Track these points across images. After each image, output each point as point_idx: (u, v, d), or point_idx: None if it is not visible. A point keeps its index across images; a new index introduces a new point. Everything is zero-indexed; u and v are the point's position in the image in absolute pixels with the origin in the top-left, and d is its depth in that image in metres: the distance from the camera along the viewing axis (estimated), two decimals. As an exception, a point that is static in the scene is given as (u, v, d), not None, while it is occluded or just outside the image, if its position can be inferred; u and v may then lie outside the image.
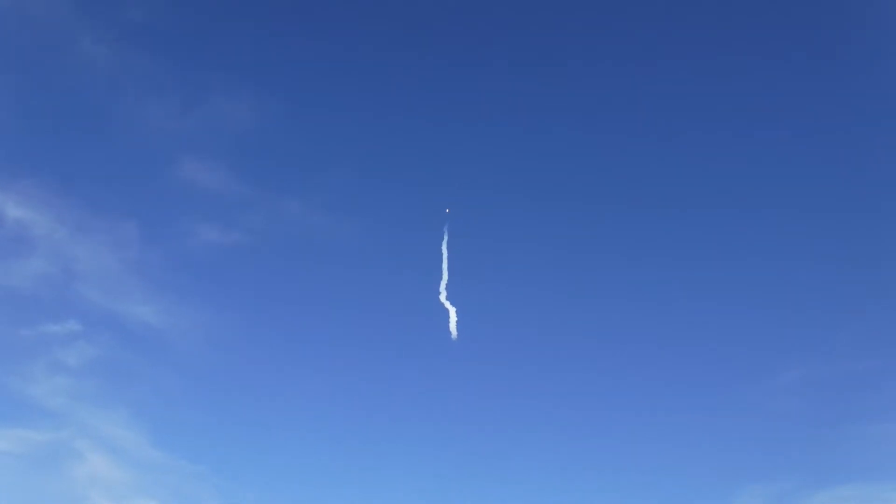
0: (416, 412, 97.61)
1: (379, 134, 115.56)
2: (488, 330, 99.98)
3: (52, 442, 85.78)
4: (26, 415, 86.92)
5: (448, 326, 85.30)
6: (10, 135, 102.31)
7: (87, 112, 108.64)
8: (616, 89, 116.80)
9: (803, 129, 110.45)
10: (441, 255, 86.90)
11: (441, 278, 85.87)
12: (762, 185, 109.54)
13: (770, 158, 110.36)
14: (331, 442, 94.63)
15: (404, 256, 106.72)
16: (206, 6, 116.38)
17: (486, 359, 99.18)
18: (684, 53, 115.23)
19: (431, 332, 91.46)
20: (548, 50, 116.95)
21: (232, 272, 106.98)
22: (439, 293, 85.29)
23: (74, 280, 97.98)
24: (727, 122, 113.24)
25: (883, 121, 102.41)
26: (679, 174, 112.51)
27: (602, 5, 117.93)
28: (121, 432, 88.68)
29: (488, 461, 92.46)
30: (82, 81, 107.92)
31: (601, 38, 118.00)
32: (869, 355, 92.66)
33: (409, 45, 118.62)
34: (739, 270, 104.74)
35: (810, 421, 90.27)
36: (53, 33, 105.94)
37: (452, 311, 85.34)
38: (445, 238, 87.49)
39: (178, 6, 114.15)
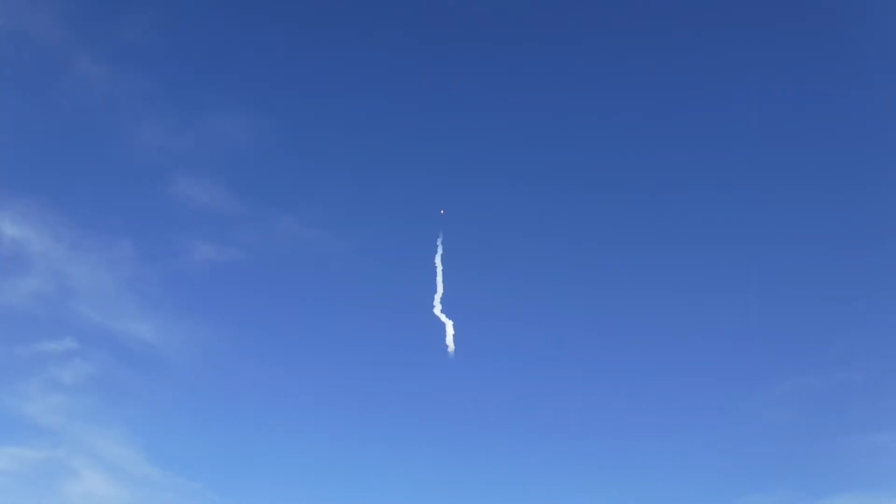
0: (413, 427, 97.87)
1: (372, 149, 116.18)
2: (486, 342, 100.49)
3: (47, 460, 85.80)
4: (22, 433, 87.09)
5: (444, 340, 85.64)
6: (8, 153, 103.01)
7: (83, 131, 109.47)
8: (610, 84, 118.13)
9: (804, 132, 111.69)
10: (435, 268, 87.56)
11: (435, 292, 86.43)
12: (759, 190, 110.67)
13: (765, 161, 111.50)
14: (327, 458, 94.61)
15: (400, 271, 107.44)
16: (201, 27, 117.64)
17: (482, 371, 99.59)
18: (680, 47, 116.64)
19: (428, 346, 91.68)
20: (540, 50, 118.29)
21: (227, 289, 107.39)
22: (433, 306, 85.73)
23: (70, 298, 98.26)
24: (725, 124, 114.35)
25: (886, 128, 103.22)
26: (672, 176, 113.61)
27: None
28: (117, 450, 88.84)
29: (489, 474, 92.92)
30: (79, 100, 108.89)
31: (594, 30, 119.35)
32: (863, 366, 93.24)
33: (402, 61, 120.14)
34: (733, 279, 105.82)
35: (806, 431, 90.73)
36: (51, 53, 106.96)
37: (449, 324, 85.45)
38: (439, 251, 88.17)
39: (175, 27, 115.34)
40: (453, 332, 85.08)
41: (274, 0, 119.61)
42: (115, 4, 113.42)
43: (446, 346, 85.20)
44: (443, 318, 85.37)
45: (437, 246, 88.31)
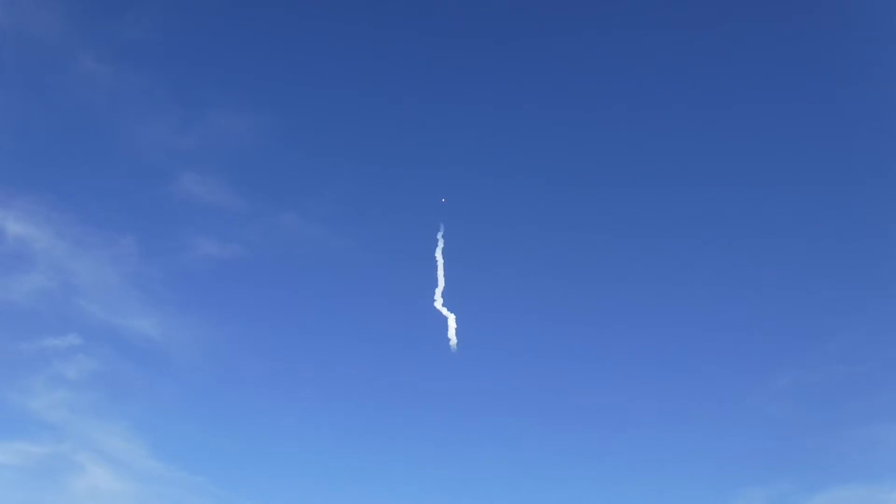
0: (415, 421, 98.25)
1: (374, 146, 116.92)
2: (488, 336, 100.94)
3: (52, 455, 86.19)
4: (26, 428, 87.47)
5: (446, 334, 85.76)
6: (11, 151, 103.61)
7: (87, 128, 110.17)
8: (611, 80, 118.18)
9: (805, 126, 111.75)
10: (436, 262, 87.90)
11: (436, 286, 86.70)
12: (759, 185, 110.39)
13: (765, 156, 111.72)
14: (329, 452, 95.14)
15: (402, 266, 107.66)
16: (204, 25, 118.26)
17: (484, 364, 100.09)
18: (681, 43, 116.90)
19: (430, 340, 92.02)
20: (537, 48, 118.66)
21: (230, 285, 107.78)
22: (434, 300, 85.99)
23: (74, 294, 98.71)
24: (726, 119, 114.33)
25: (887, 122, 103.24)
26: (673, 170, 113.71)
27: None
28: (121, 444, 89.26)
29: (490, 467, 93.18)
30: (83, 99, 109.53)
31: (596, 26, 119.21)
32: (862, 359, 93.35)
33: (404, 58, 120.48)
34: (733, 274, 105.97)
35: (805, 424, 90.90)
36: (54, 51, 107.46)
37: (451, 318, 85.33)
38: (440, 245, 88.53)
39: (178, 25, 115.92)
40: (455, 326, 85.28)
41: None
42: (118, 3, 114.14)
43: (448, 340, 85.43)
44: (444, 311, 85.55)
45: (437, 240, 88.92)
